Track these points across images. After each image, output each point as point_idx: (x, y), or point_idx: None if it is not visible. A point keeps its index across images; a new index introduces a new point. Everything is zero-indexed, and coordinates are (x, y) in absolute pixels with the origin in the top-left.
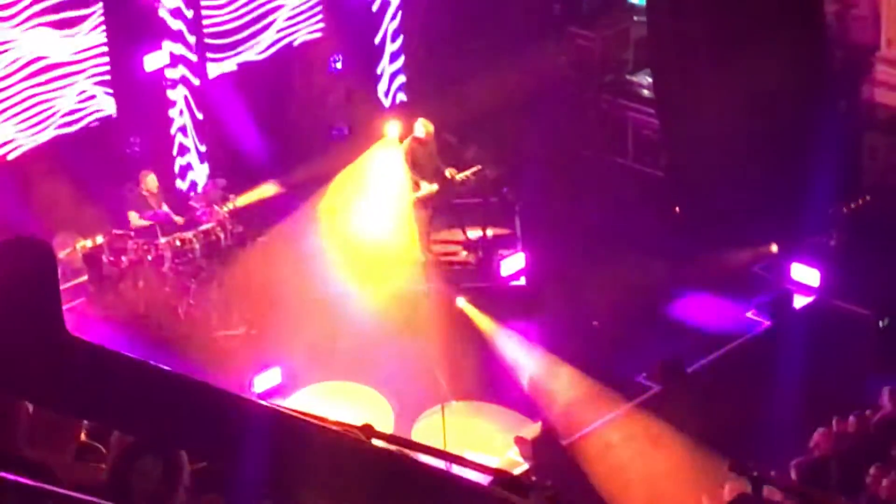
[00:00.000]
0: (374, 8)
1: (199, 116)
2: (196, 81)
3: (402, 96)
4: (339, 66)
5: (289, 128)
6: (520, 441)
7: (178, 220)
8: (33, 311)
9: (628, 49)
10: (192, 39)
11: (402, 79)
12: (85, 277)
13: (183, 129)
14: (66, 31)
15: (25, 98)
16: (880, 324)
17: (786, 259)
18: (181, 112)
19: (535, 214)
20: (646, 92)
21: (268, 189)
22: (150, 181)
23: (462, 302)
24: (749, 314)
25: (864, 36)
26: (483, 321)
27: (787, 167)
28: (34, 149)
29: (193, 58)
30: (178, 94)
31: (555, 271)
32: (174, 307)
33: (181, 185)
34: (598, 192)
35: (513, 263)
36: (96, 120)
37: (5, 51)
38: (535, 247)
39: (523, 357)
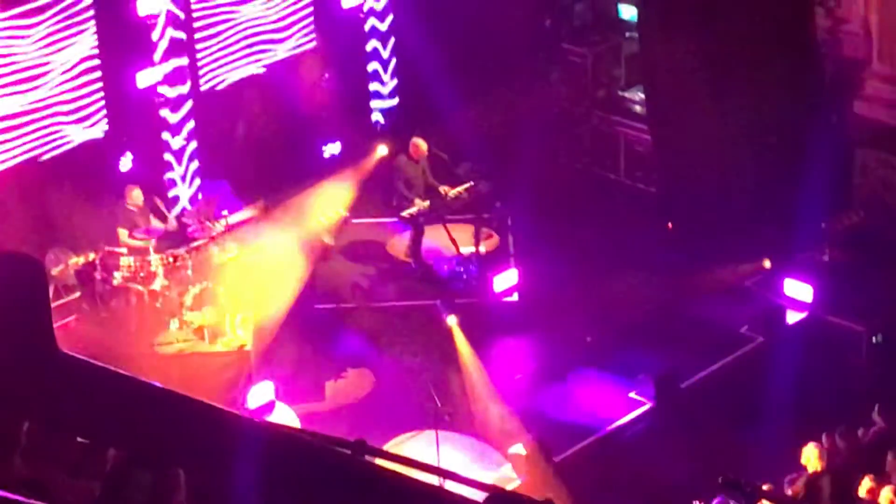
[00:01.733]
0: (366, 26)
1: (192, 133)
2: (189, 98)
3: (393, 105)
4: (329, 82)
5: (280, 144)
6: (512, 457)
7: (171, 226)
8: (24, 327)
9: (620, 65)
10: (184, 56)
11: (394, 100)
12: (77, 294)
13: (175, 145)
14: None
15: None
16: (873, 339)
17: (779, 274)
18: (174, 128)
19: (527, 230)
20: (637, 108)
21: (259, 206)
22: (135, 196)
23: (452, 321)
24: (742, 329)
25: (855, 51)
26: (464, 346)
27: (779, 182)
28: (26, 165)
29: (186, 79)
30: (170, 111)
31: (547, 287)
32: (166, 324)
33: (174, 201)
34: (591, 208)
35: (505, 279)
36: (88, 138)
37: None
38: (528, 263)
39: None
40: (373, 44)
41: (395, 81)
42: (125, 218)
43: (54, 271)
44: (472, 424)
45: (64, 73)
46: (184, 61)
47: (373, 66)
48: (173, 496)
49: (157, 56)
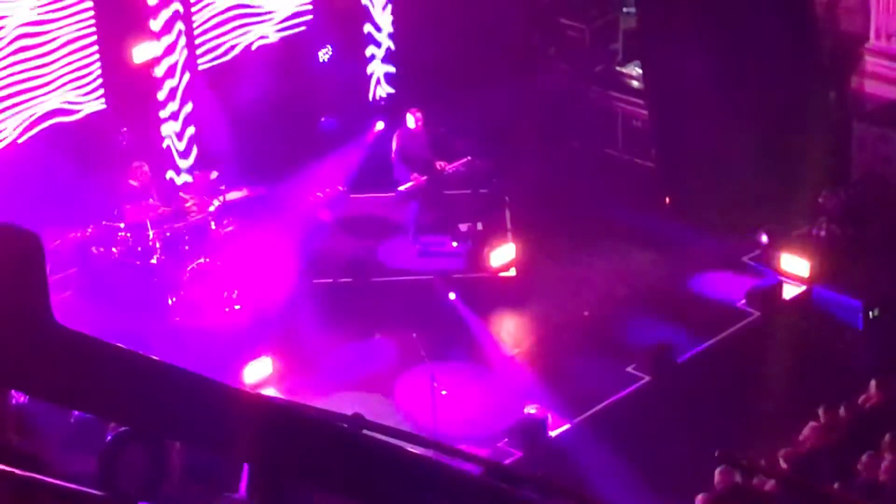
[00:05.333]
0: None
1: (189, 108)
2: (186, 73)
3: (391, 88)
4: (327, 57)
5: (278, 120)
6: (511, 431)
7: (166, 208)
8: (20, 299)
9: (618, 40)
10: (181, 31)
11: (391, 80)
12: (74, 269)
13: (173, 121)
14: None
15: (15, 89)
16: (870, 314)
17: (776, 249)
18: (170, 104)
19: (525, 205)
20: (635, 83)
21: (257, 181)
22: (141, 173)
23: (453, 296)
24: (739, 304)
25: (853, 26)
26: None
27: (776, 157)
28: (24, 139)
29: (182, 48)
30: (167, 86)
31: (545, 262)
32: (163, 298)
33: (171, 176)
34: (588, 182)
35: (503, 254)
36: (85, 112)
37: None
38: (525, 238)
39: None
40: (370, 17)
41: (391, 50)
42: (127, 194)
43: (52, 245)
44: (467, 401)
45: (60, 46)
46: (181, 35)
47: (371, 42)
48: (169, 470)
49: (154, 27)
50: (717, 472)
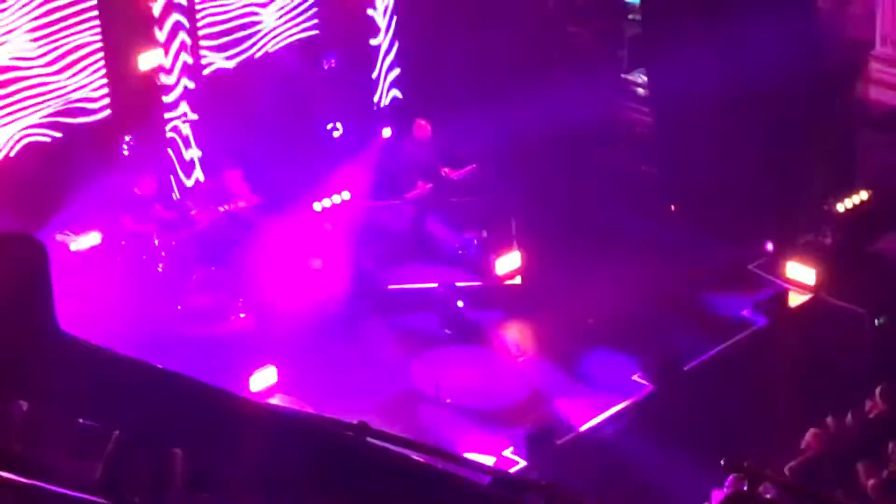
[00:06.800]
0: (369, 11)
1: (194, 116)
2: (191, 81)
3: (397, 94)
4: (333, 64)
5: (284, 128)
6: (515, 440)
7: (171, 216)
8: (26, 308)
9: (623, 47)
10: (187, 38)
11: (397, 74)
12: (80, 277)
13: (177, 129)
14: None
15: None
16: (876, 322)
17: (781, 257)
18: (176, 112)
19: (530, 213)
20: (640, 90)
21: (262, 189)
22: (146, 181)
23: (461, 304)
24: (745, 313)
25: (859, 33)
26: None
27: (782, 165)
28: (28, 147)
29: (188, 57)
30: (172, 94)
31: (550, 270)
32: (169, 307)
33: (176, 185)
34: (593, 190)
35: (508, 262)
36: (91, 120)
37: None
38: (531, 245)
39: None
40: (376, 23)
41: (398, 55)
42: (132, 202)
43: (57, 254)
44: (472, 409)
45: (65, 53)
46: (186, 43)
47: (376, 45)
48: (174, 478)
49: (159, 37)
50: (724, 481)
